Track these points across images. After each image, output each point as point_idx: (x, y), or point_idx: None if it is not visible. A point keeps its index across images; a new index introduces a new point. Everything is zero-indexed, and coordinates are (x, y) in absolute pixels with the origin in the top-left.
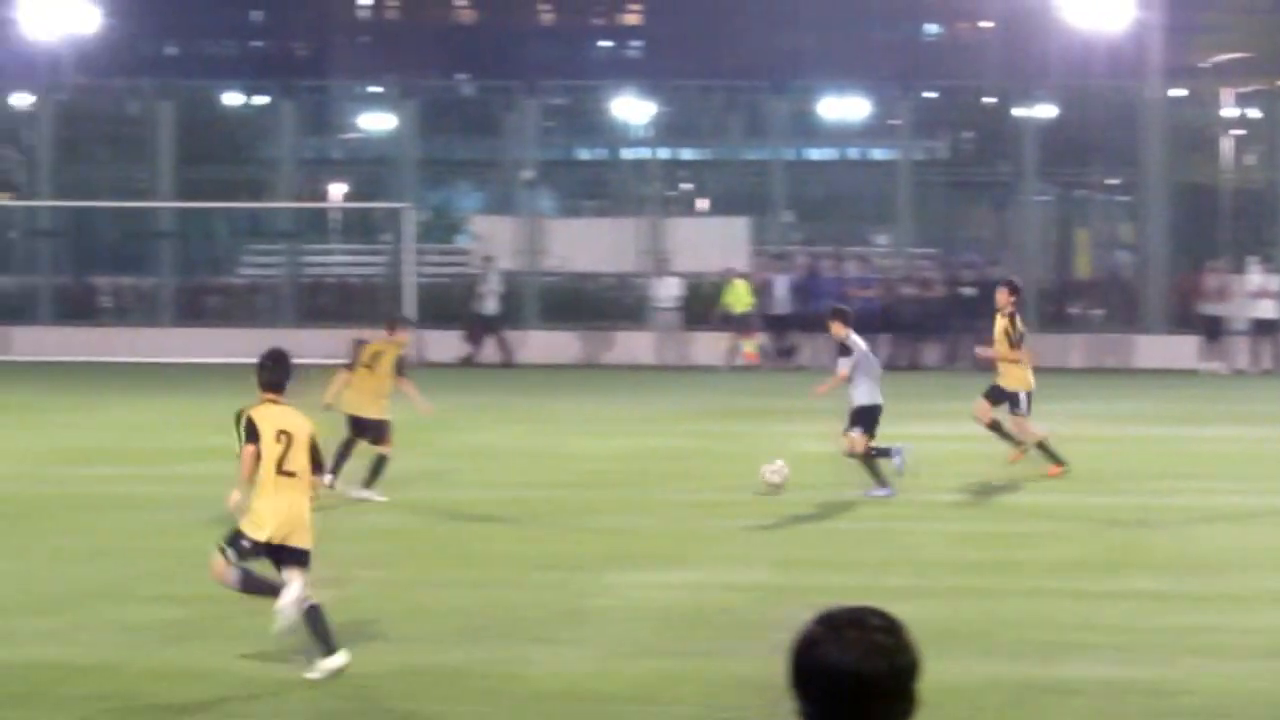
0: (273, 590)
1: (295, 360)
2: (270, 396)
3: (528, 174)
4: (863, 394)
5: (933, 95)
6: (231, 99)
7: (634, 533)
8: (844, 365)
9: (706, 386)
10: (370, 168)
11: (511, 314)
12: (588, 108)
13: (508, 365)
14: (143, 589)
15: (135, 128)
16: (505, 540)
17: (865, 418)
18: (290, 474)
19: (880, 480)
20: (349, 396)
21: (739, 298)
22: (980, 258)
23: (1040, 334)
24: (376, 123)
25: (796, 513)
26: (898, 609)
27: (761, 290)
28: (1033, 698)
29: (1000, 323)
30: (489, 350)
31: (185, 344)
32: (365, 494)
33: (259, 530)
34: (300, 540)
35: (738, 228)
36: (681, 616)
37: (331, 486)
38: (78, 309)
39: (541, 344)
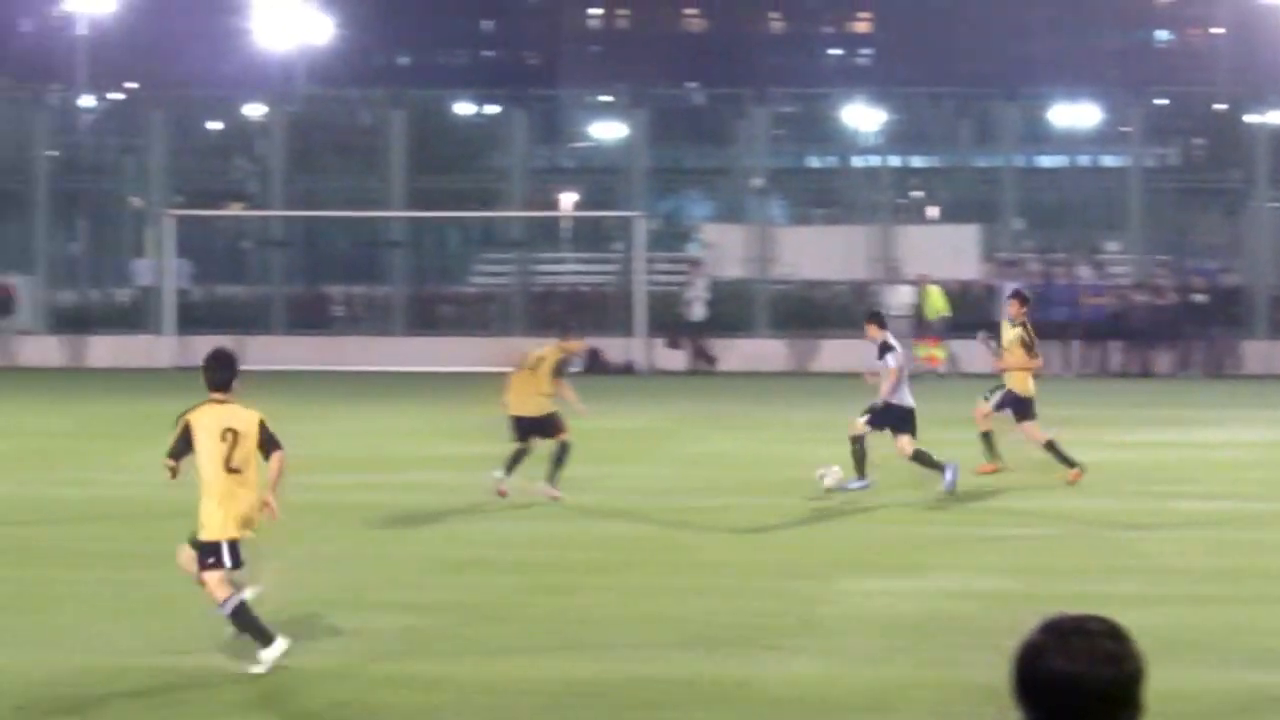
0: (264, 636)
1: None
2: (217, 397)
3: (757, 182)
4: (892, 394)
5: (1164, 102)
6: (463, 108)
7: (865, 540)
8: (893, 360)
9: (938, 393)
10: (601, 176)
11: (741, 321)
12: (818, 115)
13: (709, 371)
14: (376, 596)
15: (367, 137)
16: (735, 548)
17: (891, 416)
18: (237, 471)
19: (861, 472)
20: (510, 399)
21: (933, 304)
22: (1212, 264)
23: (1271, 341)
24: (607, 131)
25: (1026, 519)
26: (1129, 616)
27: (990, 297)
28: (1267, 707)
29: (1013, 333)
30: (690, 357)
31: (417, 353)
32: (546, 490)
33: (221, 531)
34: (245, 534)
35: (968, 235)
36: (912, 624)
37: (502, 494)
38: (310, 318)
39: (770, 351)
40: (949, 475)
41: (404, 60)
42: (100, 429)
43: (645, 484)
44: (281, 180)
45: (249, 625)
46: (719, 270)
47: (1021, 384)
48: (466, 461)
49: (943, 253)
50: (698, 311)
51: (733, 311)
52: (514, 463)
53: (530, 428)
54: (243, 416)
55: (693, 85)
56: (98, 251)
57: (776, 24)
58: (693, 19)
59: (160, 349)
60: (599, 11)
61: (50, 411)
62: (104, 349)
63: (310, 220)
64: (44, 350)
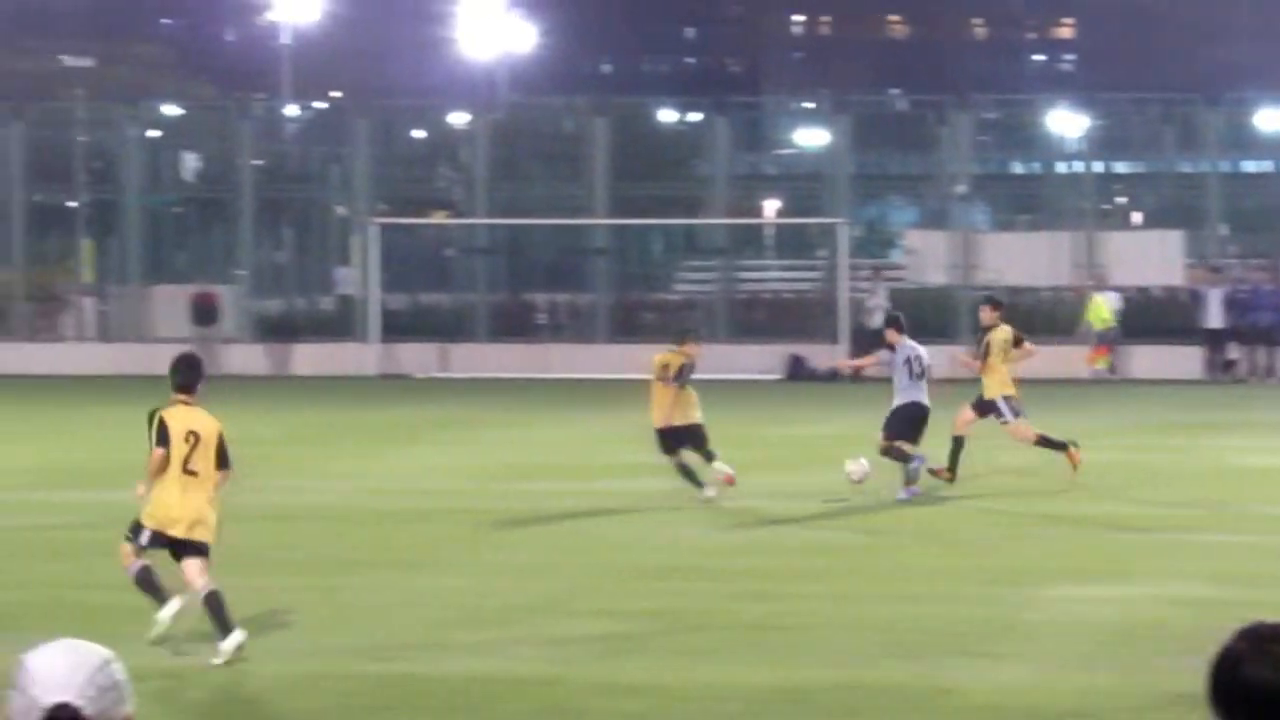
0: (160, 597)
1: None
2: (181, 398)
3: (961, 188)
4: (898, 396)
5: None
6: (666, 115)
7: (1068, 545)
8: (878, 356)
9: (1144, 399)
10: (804, 183)
11: (944, 328)
12: (1021, 121)
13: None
14: (579, 603)
15: (570, 145)
16: (937, 553)
17: (895, 419)
18: (193, 473)
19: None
20: (652, 412)
21: (1098, 314)
22: None
23: None
24: (810, 138)
25: (1230, 527)
26: None
27: (1195, 303)
28: None
29: (987, 337)
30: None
31: (620, 360)
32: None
33: (162, 524)
34: (201, 535)
35: (1172, 241)
36: (1116, 631)
37: (708, 499)
38: (514, 326)
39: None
40: (914, 463)
41: (606, 68)
42: (306, 435)
43: (845, 490)
44: (485, 188)
45: (151, 588)
46: (921, 276)
47: (987, 387)
48: (667, 469)
49: (1147, 259)
50: (878, 319)
51: (934, 318)
52: (686, 477)
53: (675, 437)
54: (206, 422)
55: (895, 91)
56: (302, 259)
57: (979, 30)
58: (895, 25)
59: (365, 356)
60: (801, 18)
61: (256, 419)
62: (308, 356)
63: (513, 228)
64: (249, 358)
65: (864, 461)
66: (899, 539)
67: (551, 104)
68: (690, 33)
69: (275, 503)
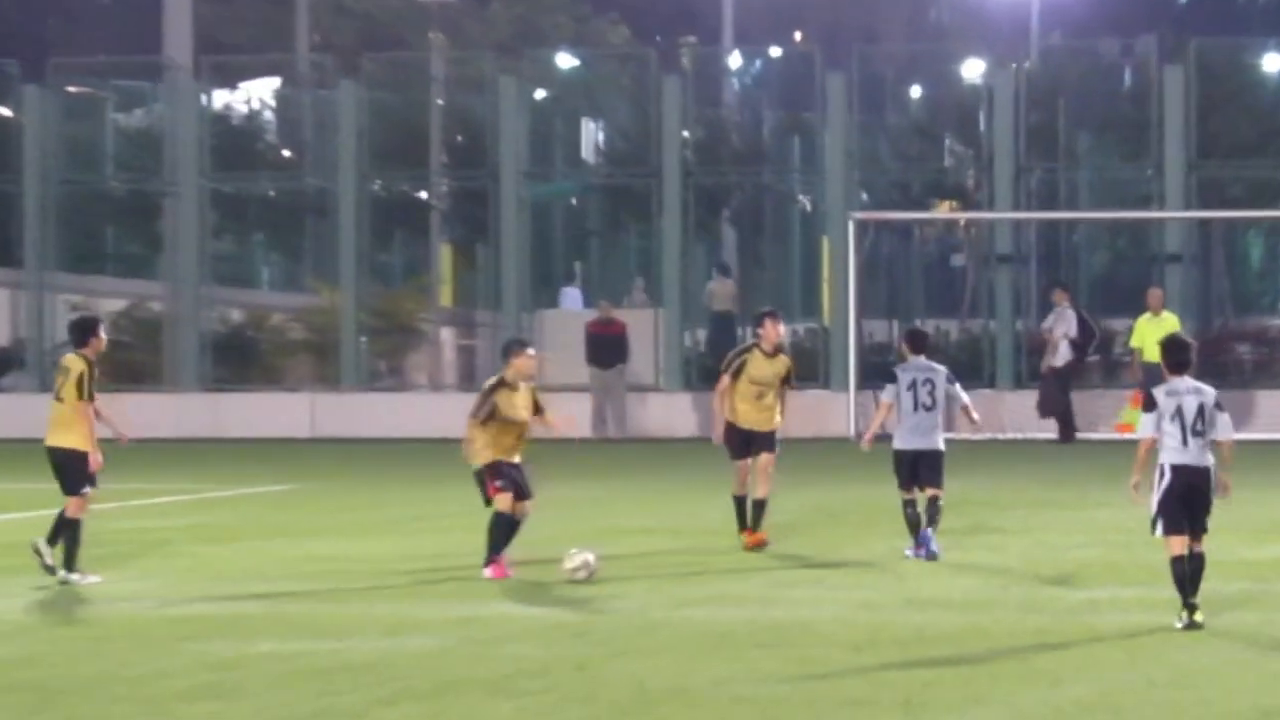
0: None
1: None
2: None
3: None
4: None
5: None
6: (1271, 62)
7: None
8: (886, 395)
9: None
10: None
11: None
12: None
13: None
14: None
15: (1129, 105)
16: None
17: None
18: None
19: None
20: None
21: None
22: None
23: None
24: None
25: None
26: None
27: None
28: None
29: None
30: None
31: None
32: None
33: None
34: None
35: None
36: None
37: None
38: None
39: None
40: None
41: None
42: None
43: None
44: (1010, 170)
45: None
46: None
47: None
48: None
49: None
50: None
51: None
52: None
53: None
54: None
55: None
56: None
57: None
58: None
59: None
60: None
61: None
62: None
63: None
64: None
65: (587, 556)
66: None
67: (1101, 49)
68: None
69: None
